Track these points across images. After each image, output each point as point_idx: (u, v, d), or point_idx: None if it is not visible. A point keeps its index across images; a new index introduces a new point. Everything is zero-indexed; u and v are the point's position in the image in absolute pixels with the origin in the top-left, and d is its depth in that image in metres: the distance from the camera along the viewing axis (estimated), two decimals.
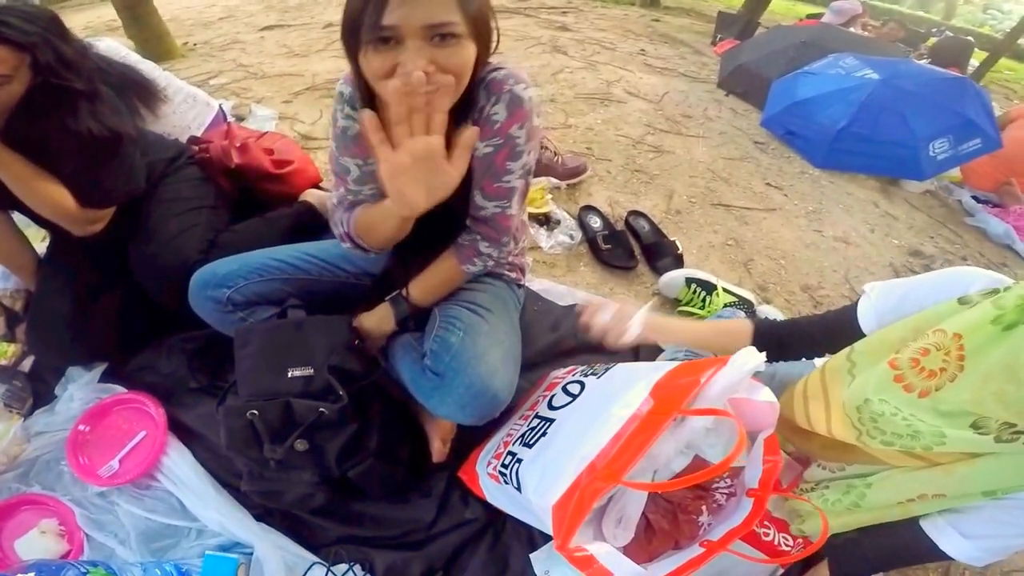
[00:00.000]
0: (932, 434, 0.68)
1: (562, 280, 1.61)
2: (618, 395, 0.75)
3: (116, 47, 1.52)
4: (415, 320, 1.02)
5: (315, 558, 0.99)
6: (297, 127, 2.27)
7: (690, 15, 6.05)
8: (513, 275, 1.14)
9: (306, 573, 0.96)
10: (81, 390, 1.19)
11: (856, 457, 0.84)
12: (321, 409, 0.86)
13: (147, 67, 1.50)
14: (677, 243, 1.74)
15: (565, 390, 0.91)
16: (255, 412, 0.86)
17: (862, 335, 0.80)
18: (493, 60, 0.82)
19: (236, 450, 0.90)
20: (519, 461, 0.83)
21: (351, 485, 0.96)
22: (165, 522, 1.04)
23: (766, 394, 0.75)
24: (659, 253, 1.71)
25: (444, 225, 0.94)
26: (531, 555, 0.94)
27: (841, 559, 0.89)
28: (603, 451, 0.68)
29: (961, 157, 2.47)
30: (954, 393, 0.66)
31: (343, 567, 0.97)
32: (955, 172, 2.67)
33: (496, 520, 1.05)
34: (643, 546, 0.76)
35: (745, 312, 1.48)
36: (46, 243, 1.32)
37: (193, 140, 1.51)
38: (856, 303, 0.84)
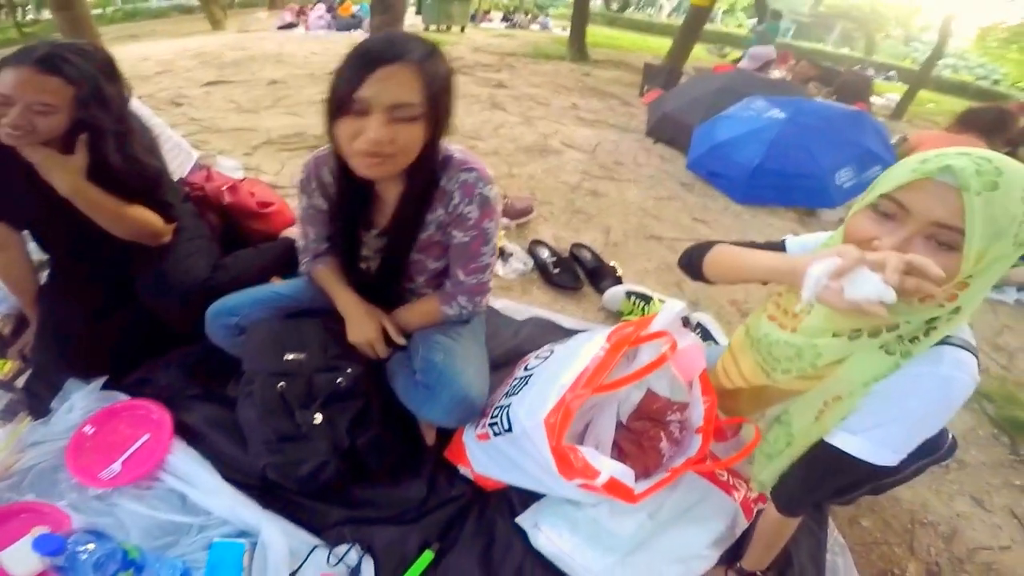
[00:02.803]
0: (809, 350, 0.89)
1: (519, 300, 1.95)
2: (583, 345, 1.05)
3: None
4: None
5: (318, 540, 1.12)
6: (262, 177, 2.55)
7: (619, 67, 6.73)
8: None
9: (309, 555, 1.08)
10: (83, 400, 1.30)
11: (771, 397, 1.05)
12: (339, 380, 1.14)
13: (146, 114, 1.73)
14: (616, 267, 2.13)
15: (537, 356, 1.21)
16: (283, 384, 1.13)
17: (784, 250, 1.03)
18: (457, 150, 1.10)
19: (266, 420, 1.12)
20: (507, 407, 1.09)
21: (357, 457, 1.17)
22: (167, 518, 1.12)
23: (692, 338, 1.07)
24: (601, 276, 2.08)
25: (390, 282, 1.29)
26: (517, 519, 1.19)
27: (779, 490, 1.01)
28: (578, 377, 0.98)
29: (865, 184, 2.81)
30: (813, 319, 0.89)
31: (344, 547, 1.11)
32: None
33: (480, 497, 1.26)
34: None
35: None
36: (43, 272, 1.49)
37: (182, 182, 1.76)
38: (785, 240, 1.07)
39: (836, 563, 1.27)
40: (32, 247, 1.44)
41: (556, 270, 2.10)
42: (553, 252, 2.21)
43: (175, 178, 1.78)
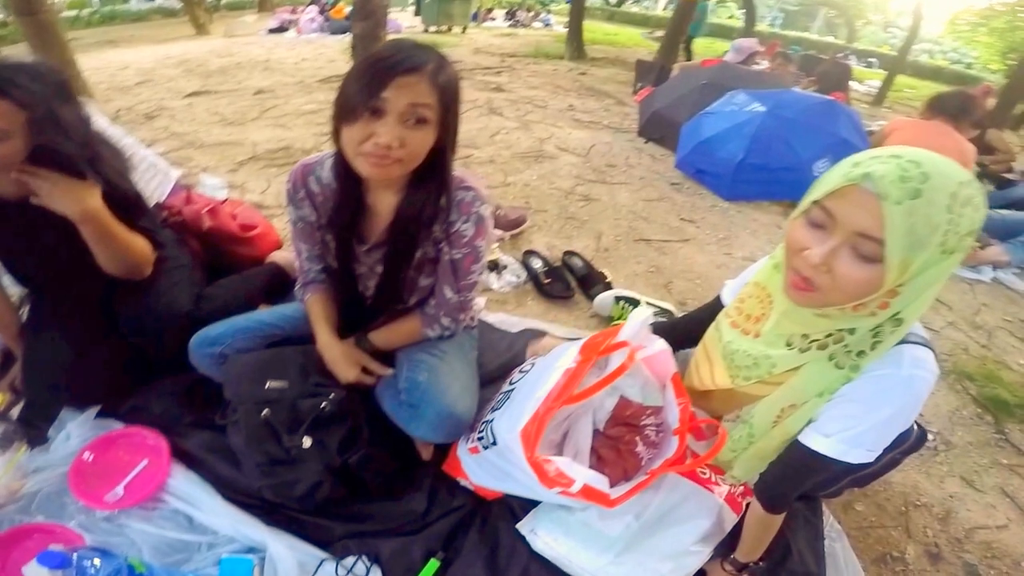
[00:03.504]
0: (765, 360, 0.93)
1: (513, 312, 1.97)
2: (558, 358, 1.10)
3: (91, 112, 1.77)
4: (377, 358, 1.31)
5: (325, 554, 1.14)
6: (248, 196, 2.52)
7: (615, 65, 6.76)
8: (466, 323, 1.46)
9: (318, 568, 1.11)
10: (79, 428, 1.32)
11: (739, 401, 1.08)
12: (323, 405, 1.16)
13: (116, 133, 1.71)
14: (606, 274, 2.17)
15: (520, 371, 1.26)
16: (268, 412, 1.15)
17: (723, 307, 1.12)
18: (460, 168, 1.14)
19: (254, 445, 1.14)
20: (491, 421, 1.14)
21: (351, 476, 1.20)
22: (176, 536, 1.15)
23: (660, 344, 1.12)
24: (592, 283, 2.12)
25: (386, 300, 1.28)
26: (516, 525, 1.22)
27: (761, 487, 1.05)
28: (551, 391, 1.02)
29: None
30: (769, 325, 0.93)
31: (351, 559, 1.13)
32: None
33: (482, 506, 1.29)
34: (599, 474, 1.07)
35: (666, 319, 1.88)
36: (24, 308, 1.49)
37: (159, 206, 1.74)
38: (721, 291, 1.18)
39: (834, 549, 1.30)
40: (7, 280, 1.42)
41: (548, 280, 2.13)
42: (545, 262, 2.24)
43: (153, 202, 1.76)
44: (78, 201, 1.12)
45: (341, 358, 1.24)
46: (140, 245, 1.30)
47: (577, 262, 2.26)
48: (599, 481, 0.99)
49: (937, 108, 2.86)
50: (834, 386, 0.86)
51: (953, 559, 1.35)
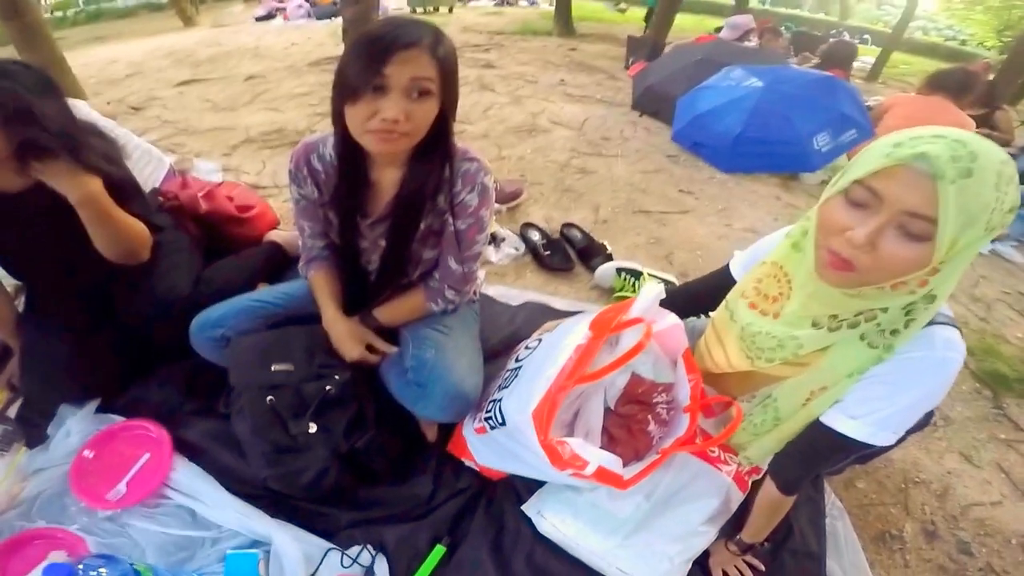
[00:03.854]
0: (790, 341, 0.90)
1: (513, 285, 1.94)
2: (567, 335, 1.05)
3: (77, 105, 1.73)
4: (381, 335, 1.28)
5: (330, 544, 1.13)
6: (243, 178, 2.49)
7: (604, 41, 6.67)
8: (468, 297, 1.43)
9: (323, 559, 1.10)
10: (78, 424, 1.29)
11: (757, 383, 1.05)
12: (328, 387, 1.12)
13: (108, 124, 1.69)
14: (606, 245, 2.12)
15: (527, 347, 1.21)
16: (272, 398, 1.11)
17: (735, 282, 1.08)
18: (459, 141, 1.12)
19: (260, 433, 1.11)
20: (499, 400, 1.09)
21: (358, 460, 1.17)
22: (180, 534, 1.13)
23: (671, 318, 1.07)
24: (592, 254, 2.08)
25: (391, 274, 1.25)
26: (522, 506, 1.20)
27: (778, 469, 1.03)
28: (562, 369, 0.97)
29: (843, 147, 2.99)
30: (792, 306, 0.89)
31: (357, 548, 1.12)
32: (845, 161, 3.12)
33: (487, 487, 1.27)
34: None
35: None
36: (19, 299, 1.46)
37: (155, 192, 1.72)
38: (729, 262, 1.14)
39: (836, 527, 1.29)
40: (1, 272, 1.38)
41: (547, 252, 2.09)
42: (544, 234, 2.20)
43: (148, 188, 1.76)
44: (79, 185, 1.12)
45: (346, 335, 1.21)
46: (138, 229, 1.27)
47: (576, 234, 2.22)
48: (613, 463, 0.95)
49: (937, 84, 2.88)
50: (865, 366, 0.84)
51: (948, 536, 1.36)
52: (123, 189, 1.25)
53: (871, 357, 0.84)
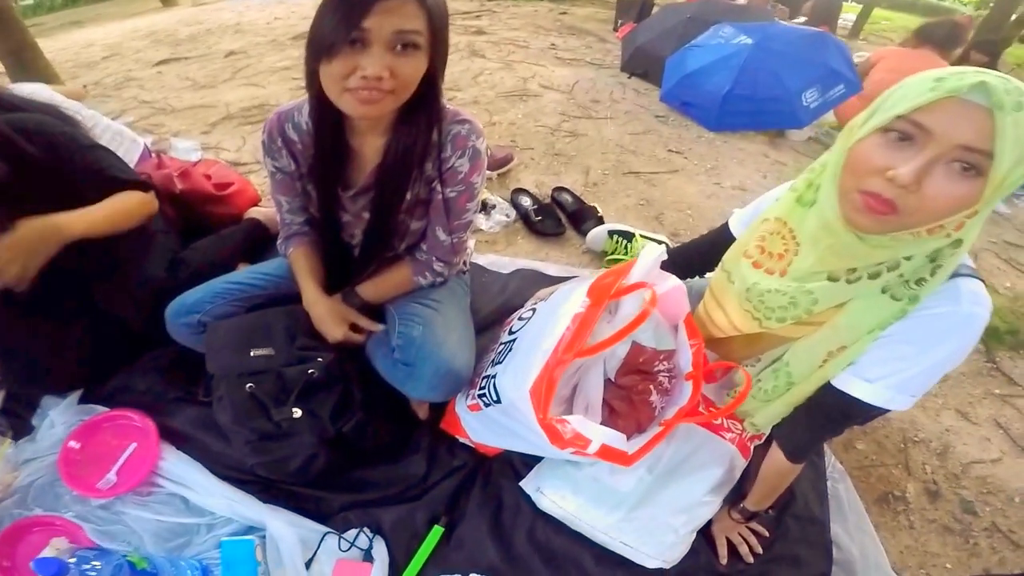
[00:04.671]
0: (804, 296, 0.82)
1: (504, 253, 1.85)
2: (563, 303, 0.96)
3: (41, 90, 1.62)
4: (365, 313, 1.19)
5: (326, 528, 1.08)
6: (223, 155, 2.38)
7: (594, 3, 6.47)
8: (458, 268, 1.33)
9: (320, 543, 1.06)
10: (62, 415, 1.24)
11: (765, 345, 0.99)
12: (311, 371, 1.04)
13: (73, 106, 1.57)
14: (597, 208, 2.03)
15: (520, 318, 1.12)
16: (252, 384, 1.03)
17: (734, 240, 1.01)
18: (450, 104, 1.00)
19: (242, 422, 1.04)
20: (493, 377, 1.01)
21: (347, 444, 1.11)
22: (175, 520, 1.10)
23: (672, 280, 0.99)
24: (583, 218, 1.98)
25: (375, 249, 1.15)
26: (520, 483, 1.14)
27: (785, 436, 0.98)
28: (559, 341, 0.89)
29: (830, 103, 2.90)
30: (801, 262, 0.81)
31: (353, 532, 1.07)
32: (831, 118, 3.11)
33: (483, 463, 1.22)
34: (612, 428, 0.94)
35: None
36: None
37: None
38: (728, 220, 1.07)
39: (837, 490, 1.26)
40: None
41: (538, 218, 1.99)
42: (535, 199, 2.10)
43: None
44: (53, 237, 1.09)
45: (328, 315, 1.11)
46: (127, 204, 1.22)
47: (567, 198, 2.12)
48: (616, 439, 0.88)
49: (924, 36, 2.89)
50: (888, 321, 0.76)
51: (951, 495, 1.33)
52: (88, 169, 1.17)
53: (895, 311, 0.76)
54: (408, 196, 1.04)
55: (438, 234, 1.11)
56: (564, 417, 0.89)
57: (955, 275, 0.74)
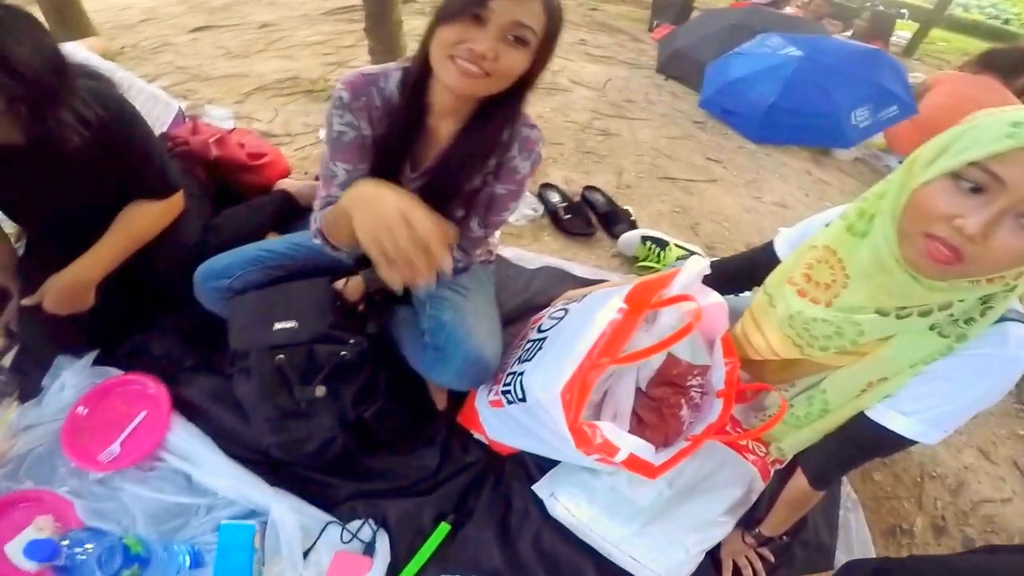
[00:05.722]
0: (851, 328, 0.81)
1: (529, 248, 1.82)
2: (599, 307, 0.94)
3: (75, 49, 1.63)
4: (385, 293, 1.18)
5: (330, 517, 1.06)
6: (255, 126, 2.37)
7: (626, 2, 6.42)
8: (483, 258, 1.32)
9: (322, 532, 1.04)
10: (74, 377, 1.21)
11: (802, 371, 0.98)
12: (343, 352, 1.03)
13: (109, 68, 1.59)
14: (630, 211, 1.99)
15: (551, 316, 1.10)
16: (282, 357, 1.02)
17: (779, 261, 0.99)
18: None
19: (266, 396, 1.03)
20: (520, 375, 0.99)
21: (365, 429, 1.09)
22: (174, 500, 1.06)
23: (714, 296, 0.97)
24: (615, 220, 1.94)
25: None
26: (533, 487, 1.12)
27: (811, 462, 0.97)
28: (595, 344, 0.87)
29: (881, 124, 2.80)
30: (851, 296, 0.80)
31: (357, 522, 1.06)
32: (880, 140, 3.00)
33: (496, 462, 1.20)
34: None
35: None
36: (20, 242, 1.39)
37: (164, 137, 1.61)
38: (774, 239, 1.04)
39: (848, 519, 1.26)
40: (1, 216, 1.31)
41: (567, 216, 1.95)
42: (564, 196, 2.06)
43: (156, 132, 1.64)
44: (82, 292, 1.16)
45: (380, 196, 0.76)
46: (150, 219, 1.23)
47: (599, 198, 2.08)
48: (645, 450, 0.86)
49: (987, 62, 2.71)
50: (932, 357, 0.77)
51: (956, 532, 1.33)
52: (118, 144, 1.11)
53: (940, 347, 0.76)
54: (465, 187, 1.04)
55: (472, 224, 1.10)
56: (595, 423, 0.87)
57: (1004, 318, 0.74)
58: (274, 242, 1.27)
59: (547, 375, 0.92)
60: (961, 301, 0.72)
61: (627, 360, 0.88)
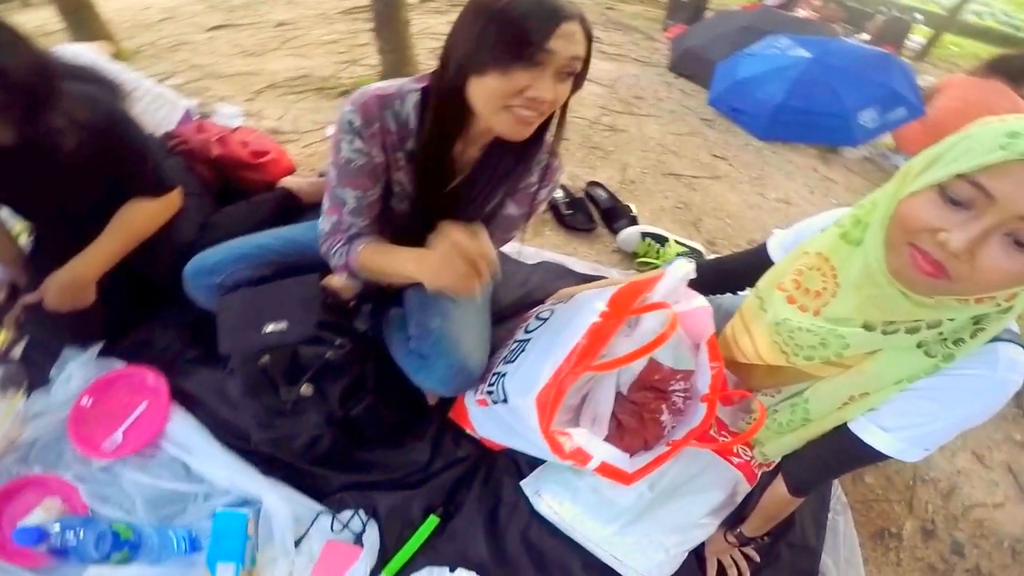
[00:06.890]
0: (836, 340, 0.78)
1: (529, 243, 1.79)
2: (582, 310, 0.93)
3: (82, 51, 1.66)
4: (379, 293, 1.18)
5: (321, 507, 1.08)
6: (264, 123, 2.38)
7: (642, 1, 6.37)
8: None
9: (313, 522, 1.05)
10: (80, 368, 1.23)
11: (788, 378, 0.95)
12: (328, 354, 1.03)
13: (116, 69, 1.62)
14: (632, 207, 1.97)
15: (538, 317, 1.10)
16: (267, 359, 1.02)
17: (772, 263, 0.96)
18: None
19: (252, 396, 1.03)
20: (503, 375, 0.99)
21: (353, 426, 1.10)
22: (171, 487, 1.08)
23: (699, 300, 0.95)
24: (616, 216, 1.93)
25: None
26: (520, 483, 1.13)
27: (791, 469, 0.97)
28: (572, 350, 0.86)
29: (889, 125, 2.77)
30: (840, 306, 0.77)
31: (348, 513, 1.07)
32: (889, 140, 2.97)
33: (486, 457, 1.20)
34: (617, 444, 0.92)
35: (695, 260, 1.74)
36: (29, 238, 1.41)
37: (168, 135, 1.63)
38: (767, 240, 1.01)
39: (837, 522, 1.26)
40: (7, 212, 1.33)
41: (569, 211, 1.94)
42: (567, 192, 2.04)
43: (160, 131, 1.69)
44: (80, 289, 1.17)
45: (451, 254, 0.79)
46: (146, 217, 1.23)
47: (601, 194, 2.06)
48: (619, 459, 0.85)
49: (996, 67, 2.67)
50: (918, 375, 0.74)
51: (945, 536, 1.33)
52: (110, 144, 1.11)
53: (926, 366, 0.73)
54: (484, 211, 1.02)
55: None
56: (568, 430, 0.87)
57: (996, 338, 0.70)
58: (265, 237, 1.25)
59: (525, 380, 0.92)
60: (951, 320, 0.69)
61: (603, 368, 0.87)
